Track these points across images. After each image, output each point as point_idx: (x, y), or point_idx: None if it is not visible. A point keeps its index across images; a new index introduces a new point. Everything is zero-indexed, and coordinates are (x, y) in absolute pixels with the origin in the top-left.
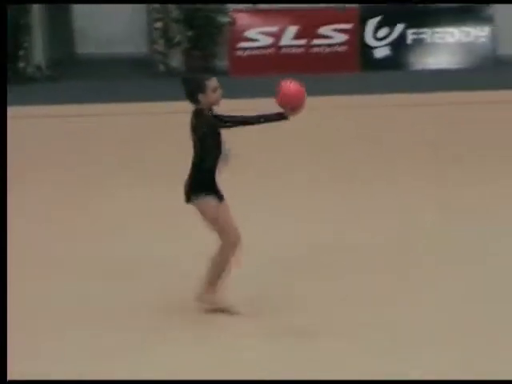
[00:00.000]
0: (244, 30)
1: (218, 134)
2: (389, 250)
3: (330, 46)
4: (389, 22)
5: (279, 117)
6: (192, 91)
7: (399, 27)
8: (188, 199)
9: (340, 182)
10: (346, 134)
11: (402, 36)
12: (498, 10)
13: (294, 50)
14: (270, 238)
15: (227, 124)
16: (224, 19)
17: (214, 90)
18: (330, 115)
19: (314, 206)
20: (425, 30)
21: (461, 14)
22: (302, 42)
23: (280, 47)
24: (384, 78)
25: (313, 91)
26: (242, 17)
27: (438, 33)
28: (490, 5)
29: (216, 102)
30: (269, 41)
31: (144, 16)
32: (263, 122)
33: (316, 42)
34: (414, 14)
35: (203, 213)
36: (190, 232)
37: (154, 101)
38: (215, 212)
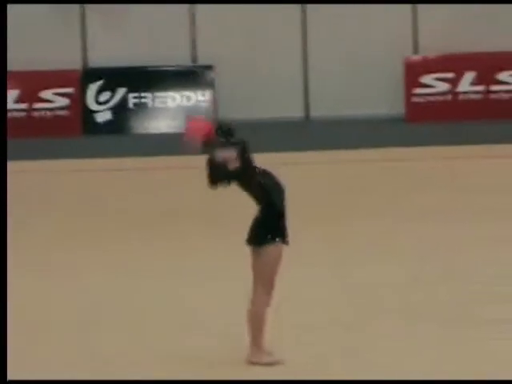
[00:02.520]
0: None
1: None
2: None
3: (51, 110)
4: (110, 86)
5: None
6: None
7: (121, 91)
8: (257, 242)
9: None
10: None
11: (124, 100)
12: (218, 74)
13: (15, 115)
14: None
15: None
16: None
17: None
18: (52, 179)
19: None
20: (146, 94)
21: (182, 78)
22: (24, 105)
23: None
24: (106, 142)
25: (36, 155)
26: None
27: (159, 97)
28: (211, 69)
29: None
30: None
31: None
32: None
33: (37, 105)
34: (135, 79)
35: (269, 259)
36: None
37: None
38: (279, 261)
